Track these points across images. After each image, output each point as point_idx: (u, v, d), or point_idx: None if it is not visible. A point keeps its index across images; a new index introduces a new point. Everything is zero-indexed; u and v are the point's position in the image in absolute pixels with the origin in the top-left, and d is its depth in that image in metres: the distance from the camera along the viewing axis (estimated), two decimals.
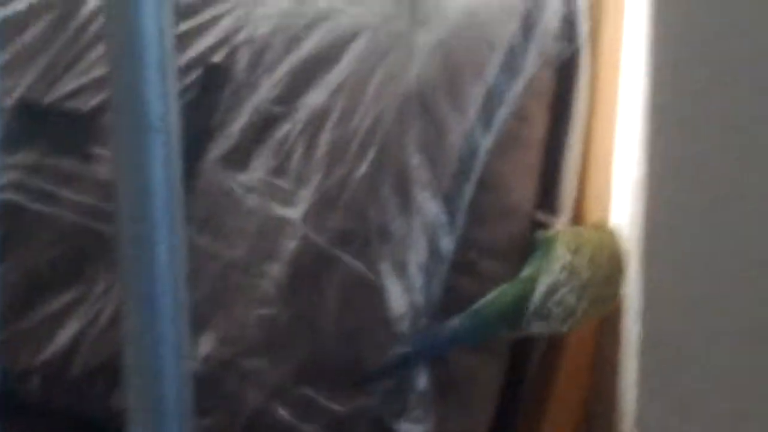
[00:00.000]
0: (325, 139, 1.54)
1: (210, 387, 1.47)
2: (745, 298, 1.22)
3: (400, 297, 1.47)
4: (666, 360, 1.29)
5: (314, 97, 1.57)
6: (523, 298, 1.48)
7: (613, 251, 1.54)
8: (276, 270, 1.51)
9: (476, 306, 1.49)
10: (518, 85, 1.57)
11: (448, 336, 1.48)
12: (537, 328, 1.49)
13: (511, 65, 1.56)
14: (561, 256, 1.51)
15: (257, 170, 1.55)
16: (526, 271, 1.52)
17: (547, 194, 1.64)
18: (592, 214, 1.67)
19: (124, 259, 0.92)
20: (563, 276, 1.50)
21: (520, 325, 1.48)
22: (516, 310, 1.48)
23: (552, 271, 1.50)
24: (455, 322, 1.47)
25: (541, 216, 1.62)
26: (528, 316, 1.47)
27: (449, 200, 1.51)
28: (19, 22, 1.74)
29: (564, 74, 1.64)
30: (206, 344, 1.49)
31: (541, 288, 1.48)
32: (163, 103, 0.91)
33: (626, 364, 1.47)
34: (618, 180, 1.61)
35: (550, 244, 1.53)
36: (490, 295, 1.50)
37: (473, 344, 1.52)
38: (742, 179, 1.19)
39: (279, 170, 1.55)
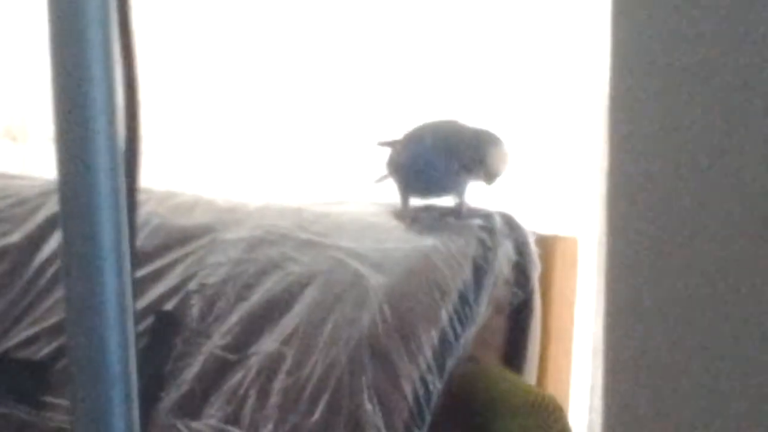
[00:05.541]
0: (278, 386, 1.53)
1: None
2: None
3: None
4: None
5: (267, 345, 1.57)
6: None
7: None
8: None
9: None
10: (470, 332, 1.57)
11: None
12: None
13: (463, 312, 1.56)
14: None
15: (211, 417, 1.54)
16: None
17: None
18: None
19: None
20: None
21: None
22: None
23: None
24: None
25: None
26: None
27: None
28: None
29: (516, 320, 1.65)
30: None
31: None
32: (122, 354, 0.90)
33: None
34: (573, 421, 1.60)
35: None
36: None
37: None
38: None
39: (232, 418, 1.53)
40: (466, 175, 1.66)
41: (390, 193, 1.75)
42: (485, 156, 1.63)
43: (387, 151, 1.78)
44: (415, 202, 1.73)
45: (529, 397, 1.52)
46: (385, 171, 1.78)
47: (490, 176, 1.64)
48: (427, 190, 1.72)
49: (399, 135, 1.77)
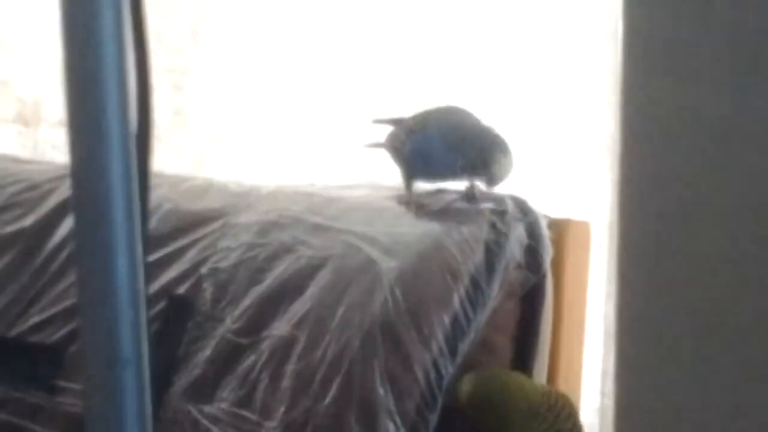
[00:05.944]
0: (290, 369, 1.54)
1: None
2: None
3: None
4: None
5: (279, 328, 1.57)
6: None
7: None
8: None
9: None
10: (482, 316, 1.57)
11: None
12: None
13: (475, 295, 1.56)
14: None
15: (223, 401, 1.55)
16: None
17: None
18: None
19: None
20: None
21: None
22: None
23: None
24: None
25: None
26: None
27: (415, 430, 1.49)
28: None
29: (527, 304, 1.65)
30: None
31: None
32: (134, 337, 0.90)
33: None
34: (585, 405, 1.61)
35: None
36: None
37: None
38: None
39: (244, 401, 1.54)
40: (468, 172, 1.65)
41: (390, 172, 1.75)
42: (490, 161, 1.62)
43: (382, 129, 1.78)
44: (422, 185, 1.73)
45: (544, 398, 1.51)
46: (379, 141, 1.78)
47: (491, 181, 1.64)
48: (431, 177, 1.72)
49: (396, 114, 1.77)
